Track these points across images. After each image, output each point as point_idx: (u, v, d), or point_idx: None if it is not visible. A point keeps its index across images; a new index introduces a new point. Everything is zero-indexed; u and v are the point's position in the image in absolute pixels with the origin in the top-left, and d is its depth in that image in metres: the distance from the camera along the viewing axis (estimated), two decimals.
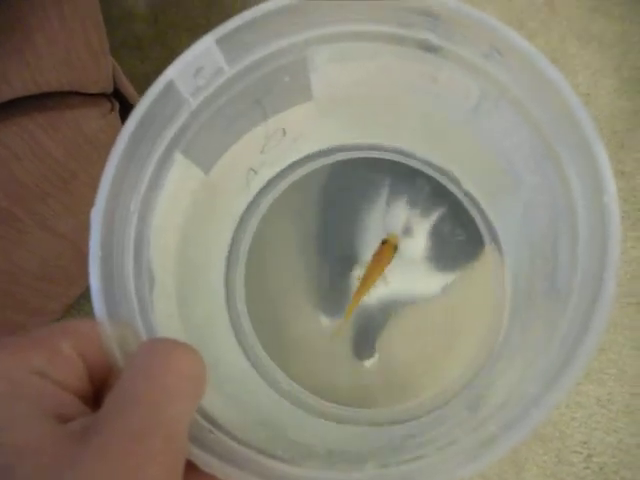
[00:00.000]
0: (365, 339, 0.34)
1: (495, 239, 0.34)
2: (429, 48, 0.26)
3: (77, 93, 0.38)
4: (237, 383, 0.32)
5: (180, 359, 0.17)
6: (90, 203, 0.47)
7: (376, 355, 0.33)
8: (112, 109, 0.40)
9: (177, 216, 0.29)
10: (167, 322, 0.25)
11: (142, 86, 0.72)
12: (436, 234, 0.35)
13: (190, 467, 0.17)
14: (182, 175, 0.27)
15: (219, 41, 0.24)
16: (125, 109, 0.45)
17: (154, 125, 0.25)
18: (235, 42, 0.25)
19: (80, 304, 0.57)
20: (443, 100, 0.29)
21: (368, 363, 0.33)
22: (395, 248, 0.34)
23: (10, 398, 0.15)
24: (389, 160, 0.36)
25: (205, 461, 0.18)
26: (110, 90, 0.40)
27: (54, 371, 0.16)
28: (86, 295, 0.53)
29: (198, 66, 0.25)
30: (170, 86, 0.24)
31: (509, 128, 0.27)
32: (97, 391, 0.18)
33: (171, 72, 0.24)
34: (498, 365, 0.29)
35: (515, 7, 0.68)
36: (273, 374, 0.33)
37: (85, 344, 0.18)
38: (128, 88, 0.43)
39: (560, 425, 0.57)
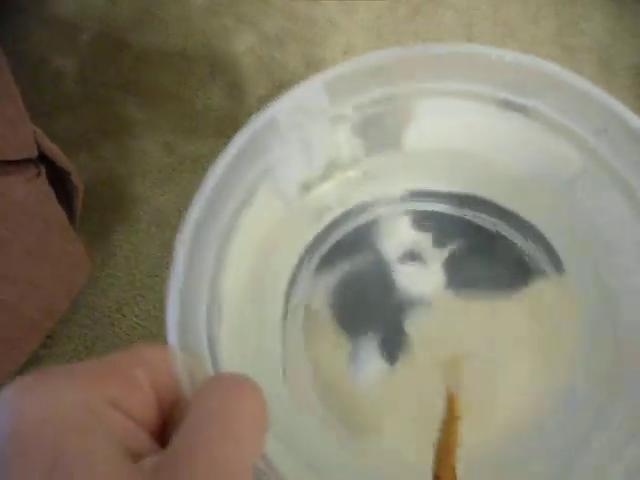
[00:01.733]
0: None
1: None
2: (534, 116, 0.27)
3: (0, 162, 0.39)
4: (289, 428, 0.31)
5: (249, 399, 0.17)
6: (29, 270, 0.47)
7: None
8: (38, 174, 0.41)
9: (252, 247, 0.29)
10: (230, 357, 0.25)
11: (78, 144, 0.72)
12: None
13: None
14: (264, 207, 0.28)
15: (326, 84, 0.26)
16: (53, 171, 0.46)
17: (247, 157, 0.26)
18: (340, 86, 0.27)
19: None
20: (538, 166, 0.30)
21: None
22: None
23: (89, 430, 0.15)
24: (467, 219, 0.35)
25: None
26: (34, 155, 0.40)
27: (128, 402, 0.16)
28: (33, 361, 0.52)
29: (301, 104, 0.26)
30: (272, 121, 0.26)
31: (607, 205, 0.27)
32: (164, 424, 0.18)
33: (275, 109, 0.26)
34: None
35: None
36: (328, 421, 0.32)
37: (157, 373, 0.18)
38: (54, 151, 0.43)
39: None
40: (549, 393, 0.30)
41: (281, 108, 0.26)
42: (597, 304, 0.31)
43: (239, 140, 0.25)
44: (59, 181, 0.48)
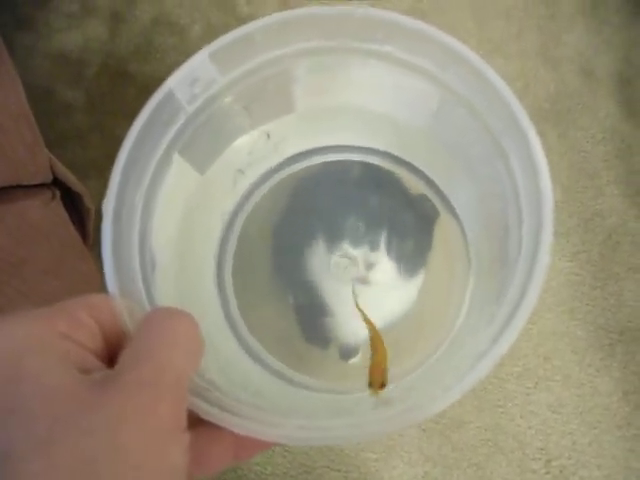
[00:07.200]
0: (351, 342, 0.36)
1: (459, 223, 0.38)
2: (393, 60, 0.30)
3: (18, 186, 0.41)
4: (227, 358, 0.34)
5: (182, 323, 0.20)
6: (44, 288, 0.49)
7: (359, 353, 0.36)
8: (53, 197, 0.43)
9: (175, 210, 0.32)
10: (167, 299, 0.28)
11: (87, 172, 0.75)
12: (402, 227, 0.38)
13: (193, 425, 0.19)
14: (179, 174, 0.31)
15: (212, 55, 0.28)
16: (68, 195, 0.48)
17: (155, 129, 0.28)
18: (226, 56, 0.29)
19: None
20: (407, 106, 0.33)
21: (352, 361, 0.36)
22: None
23: (41, 354, 0.17)
24: (361, 161, 0.40)
25: (206, 410, 0.21)
26: (49, 180, 0.43)
27: (76, 334, 0.19)
28: None
29: (194, 77, 0.28)
30: (169, 94, 0.28)
31: (465, 129, 0.31)
32: (110, 353, 0.20)
33: (170, 82, 0.27)
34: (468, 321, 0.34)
35: None
36: (259, 355, 0.36)
37: (100, 314, 0.20)
38: (67, 175, 0.46)
39: (518, 436, 0.59)
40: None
41: (176, 81, 0.27)
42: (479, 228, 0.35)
43: (143, 114, 0.27)
44: (72, 204, 0.50)
